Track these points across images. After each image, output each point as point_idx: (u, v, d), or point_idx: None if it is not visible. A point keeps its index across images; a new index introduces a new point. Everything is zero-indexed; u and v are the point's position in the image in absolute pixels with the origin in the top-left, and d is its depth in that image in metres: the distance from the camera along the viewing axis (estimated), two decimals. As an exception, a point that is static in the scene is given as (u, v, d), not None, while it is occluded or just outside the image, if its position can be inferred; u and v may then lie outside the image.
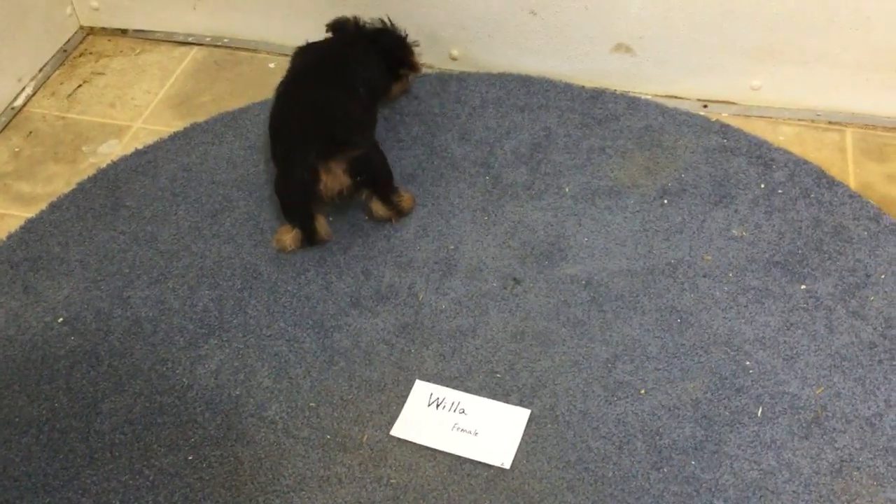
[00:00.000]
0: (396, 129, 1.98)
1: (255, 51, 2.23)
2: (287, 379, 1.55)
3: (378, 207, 1.75)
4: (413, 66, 1.99)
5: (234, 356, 1.59)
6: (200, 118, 2.05)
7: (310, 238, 1.72)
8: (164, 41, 2.29)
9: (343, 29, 1.93)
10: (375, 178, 1.73)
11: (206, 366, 1.58)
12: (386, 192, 1.75)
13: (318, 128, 1.68)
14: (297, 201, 1.69)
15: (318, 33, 2.17)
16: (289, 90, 1.80)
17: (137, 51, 2.28)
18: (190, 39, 2.28)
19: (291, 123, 1.72)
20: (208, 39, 2.27)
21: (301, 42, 2.20)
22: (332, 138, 1.64)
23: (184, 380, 1.56)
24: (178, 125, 2.04)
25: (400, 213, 1.78)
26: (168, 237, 1.78)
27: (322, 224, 1.72)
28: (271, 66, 2.19)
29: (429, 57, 2.11)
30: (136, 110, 2.12)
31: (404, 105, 2.04)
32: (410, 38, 1.97)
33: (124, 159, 1.96)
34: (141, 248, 1.77)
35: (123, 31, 2.33)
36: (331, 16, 2.12)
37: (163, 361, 1.59)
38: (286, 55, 2.18)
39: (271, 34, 2.22)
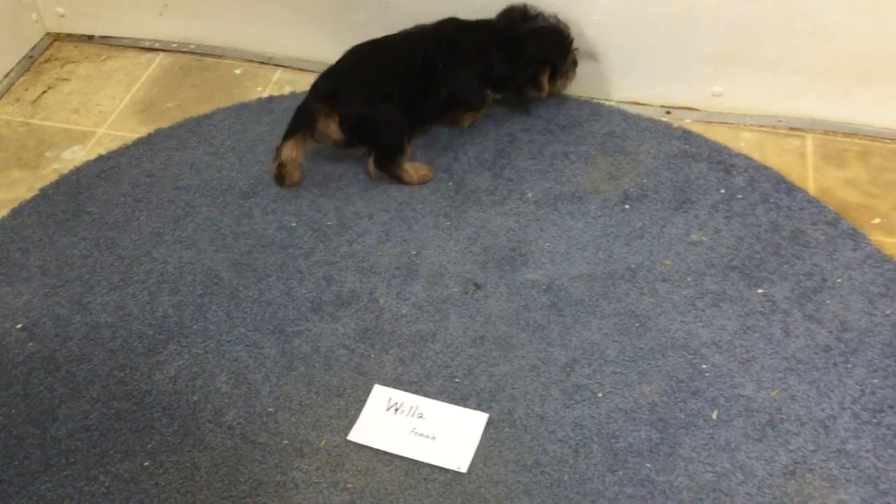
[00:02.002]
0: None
1: (221, 57, 2.24)
2: (246, 384, 1.54)
3: (372, 168, 1.85)
4: (538, 86, 1.92)
5: (192, 362, 1.58)
6: (165, 124, 2.04)
7: (276, 159, 1.84)
8: (130, 47, 2.29)
9: (507, 14, 1.91)
10: (372, 142, 1.83)
11: (165, 372, 1.57)
12: (383, 156, 1.83)
13: (342, 77, 1.81)
14: (294, 121, 1.82)
15: (285, 39, 2.18)
16: (386, 40, 1.87)
17: (103, 57, 2.28)
18: (156, 46, 2.28)
19: (350, 58, 1.84)
20: (175, 46, 2.27)
21: (267, 49, 2.21)
22: (333, 92, 1.78)
23: (142, 386, 1.55)
24: (142, 131, 2.04)
25: (399, 181, 1.85)
26: (129, 243, 1.78)
27: (291, 158, 1.82)
28: (237, 72, 2.19)
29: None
30: (101, 116, 2.11)
31: (370, 111, 2.04)
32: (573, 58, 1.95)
33: (87, 165, 1.96)
34: (101, 254, 1.76)
35: (90, 38, 2.33)
36: (298, 22, 2.14)
37: (121, 367, 1.58)
38: (252, 61, 2.21)
39: (237, 40, 2.22)
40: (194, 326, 1.63)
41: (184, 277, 1.71)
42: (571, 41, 1.93)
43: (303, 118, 1.82)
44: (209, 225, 1.80)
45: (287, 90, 2.12)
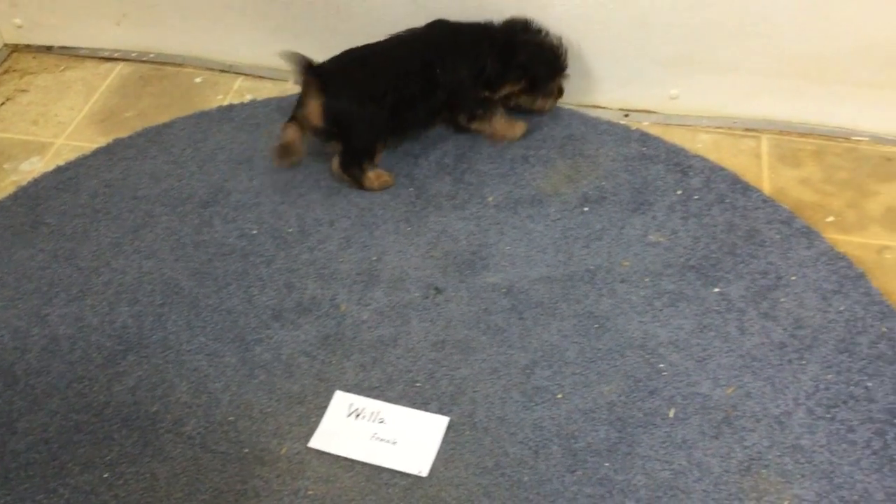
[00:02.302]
0: (322, 143, 1.99)
1: (181, 65, 2.23)
2: (206, 394, 1.54)
3: (335, 168, 1.87)
4: (533, 102, 1.95)
5: (152, 372, 1.57)
6: (124, 133, 2.04)
7: (279, 139, 1.88)
8: (89, 57, 2.28)
9: (510, 23, 1.91)
10: (345, 139, 1.84)
11: (124, 382, 1.56)
12: (351, 157, 1.84)
13: (341, 68, 1.83)
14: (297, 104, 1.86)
15: (246, 47, 2.18)
16: (380, 46, 1.89)
17: (62, 67, 2.26)
18: (116, 55, 2.27)
19: (350, 56, 1.86)
20: (134, 55, 2.26)
21: (227, 57, 2.21)
22: (327, 78, 1.80)
23: (101, 397, 1.55)
24: (101, 141, 2.03)
25: (359, 185, 1.86)
26: (88, 254, 1.77)
27: (292, 140, 1.85)
28: (198, 80, 2.19)
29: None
30: (60, 127, 2.10)
31: (330, 118, 2.05)
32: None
33: (46, 176, 1.94)
34: (60, 266, 1.75)
35: (48, 48, 2.31)
36: (257, 30, 2.14)
37: (80, 379, 1.57)
38: (212, 69, 2.20)
39: (197, 49, 2.22)
40: (154, 336, 1.63)
41: (143, 287, 1.71)
42: (565, 67, 1.94)
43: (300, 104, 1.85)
44: (169, 234, 1.80)
45: (247, 98, 2.12)
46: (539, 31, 1.91)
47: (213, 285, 1.71)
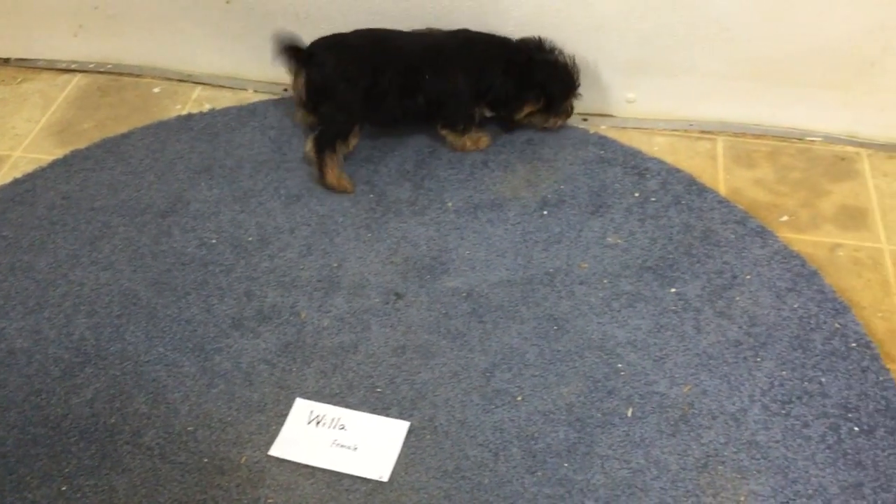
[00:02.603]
0: (283, 151, 1.99)
1: (139, 76, 2.22)
2: (165, 404, 1.53)
3: (309, 146, 1.89)
4: (520, 109, 1.94)
5: (110, 384, 1.56)
6: (82, 145, 2.02)
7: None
8: (46, 69, 2.26)
9: (524, 43, 1.92)
10: (322, 115, 1.89)
11: (82, 395, 1.55)
12: (325, 136, 1.87)
13: (328, 45, 1.87)
14: None
15: (204, 57, 2.18)
16: (391, 34, 1.92)
17: (19, 79, 2.24)
18: (73, 67, 2.25)
19: (348, 36, 1.90)
20: (92, 66, 2.25)
21: (185, 66, 2.20)
22: (312, 53, 1.85)
23: (58, 410, 1.53)
24: (58, 153, 2.01)
25: (321, 174, 1.88)
26: (45, 266, 1.75)
27: (301, 118, 1.97)
28: (156, 90, 2.18)
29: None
30: (17, 139, 2.08)
31: (291, 126, 2.05)
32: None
33: (2, 189, 1.93)
34: (17, 279, 1.74)
35: (5, 60, 2.29)
36: (215, 39, 2.14)
37: (37, 392, 1.55)
38: (171, 79, 2.20)
39: (155, 59, 2.21)
40: (111, 348, 1.61)
41: (101, 299, 1.69)
42: (578, 85, 1.95)
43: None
44: (127, 245, 1.79)
45: (206, 107, 2.11)
46: (552, 49, 1.92)
47: (171, 295, 1.70)
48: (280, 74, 2.15)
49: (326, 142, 1.87)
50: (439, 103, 1.90)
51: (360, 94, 1.86)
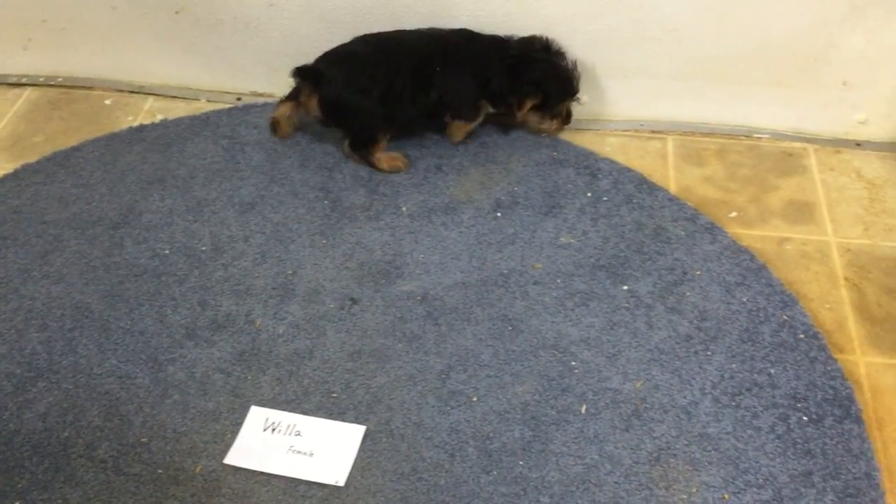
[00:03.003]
0: (236, 160, 1.99)
1: (90, 88, 2.21)
2: (118, 416, 1.52)
3: (346, 150, 1.96)
4: (520, 106, 1.92)
5: (63, 398, 1.55)
6: (32, 158, 2.01)
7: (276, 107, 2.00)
8: (-4, 83, 2.24)
9: (530, 40, 1.93)
10: (346, 126, 1.94)
11: (35, 409, 1.54)
12: (355, 141, 1.93)
13: (334, 60, 1.90)
14: (294, 89, 1.94)
15: (155, 67, 2.17)
16: (395, 35, 1.95)
17: (-32, 94, 2.22)
18: (23, 80, 2.24)
19: (352, 45, 1.92)
20: (42, 79, 2.23)
21: (137, 78, 2.19)
22: (319, 73, 1.88)
23: (11, 425, 1.51)
24: (8, 167, 2.00)
25: (370, 166, 1.94)
26: (-5, 281, 1.74)
27: (284, 116, 1.98)
28: (107, 102, 2.17)
29: (270, 85, 2.14)
30: (-34, 154, 2.06)
31: (244, 134, 2.05)
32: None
33: (-49, 205, 1.90)
34: (-34, 295, 1.72)
35: (-46, 75, 2.27)
36: (166, 50, 2.13)
37: (-12, 409, 1.54)
38: (122, 91, 2.19)
39: (106, 71, 2.20)
40: (64, 361, 1.60)
41: (52, 313, 1.68)
42: (576, 90, 1.95)
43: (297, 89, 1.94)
44: (78, 258, 1.78)
45: (158, 118, 2.11)
46: (557, 52, 1.93)
47: (124, 307, 1.69)
48: (233, 84, 2.16)
49: (359, 147, 1.94)
50: (450, 94, 1.91)
51: (377, 102, 1.88)
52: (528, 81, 1.89)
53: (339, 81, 1.88)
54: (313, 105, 1.91)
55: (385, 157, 1.94)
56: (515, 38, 1.94)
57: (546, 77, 1.91)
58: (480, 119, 1.98)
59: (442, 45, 1.91)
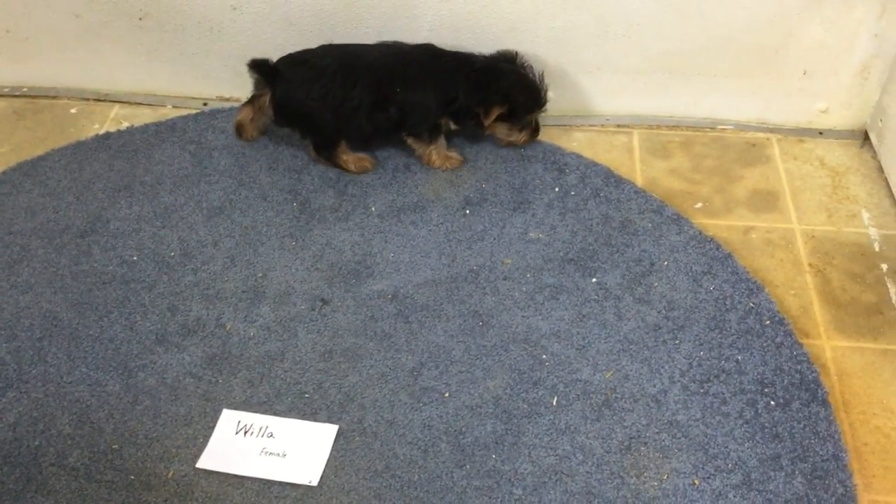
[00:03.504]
0: (203, 165, 1.99)
1: (55, 97, 2.19)
2: (89, 424, 1.51)
3: (311, 153, 1.97)
4: (486, 114, 1.89)
5: (33, 407, 1.54)
6: (-2, 169, 1.99)
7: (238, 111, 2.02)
8: (-41, 95, 2.22)
9: (499, 54, 1.93)
10: (294, 128, 1.96)
11: (4, 419, 1.52)
12: (317, 145, 1.95)
13: (293, 63, 1.89)
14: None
15: (120, 75, 2.16)
16: (358, 49, 1.94)
17: (-69, 106, 2.20)
18: (-13, 91, 2.22)
19: (315, 51, 1.91)
20: (7, 90, 2.21)
21: (102, 86, 2.19)
22: (277, 73, 1.88)
23: (-21, 437, 1.50)
24: (-27, 179, 1.98)
25: (337, 168, 1.95)
26: (-39, 293, 1.72)
27: (246, 120, 1.98)
28: (73, 111, 2.16)
29: (236, 90, 2.13)
30: (-70, 167, 2.04)
31: (211, 139, 2.05)
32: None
33: (-85, 218, 1.88)
34: (-68, 307, 1.70)
35: (-84, 88, 2.25)
36: (130, 57, 2.12)
37: (-43, 421, 1.53)
38: (88, 99, 2.18)
39: (71, 79, 2.19)
40: (33, 371, 1.59)
41: (21, 322, 1.67)
42: (544, 103, 1.94)
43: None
44: (46, 267, 1.77)
45: (125, 125, 2.10)
46: (523, 65, 1.92)
47: (93, 315, 1.68)
48: (198, 89, 2.16)
49: (324, 150, 1.94)
50: (408, 113, 1.90)
51: (330, 112, 1.87)
52: (495, 91, 1.88)
53: (295, 84, 1.87)
54: (265, 102, 1.91)
55: (352, 158, 1.94)
56: (480, 54, 1.93)
57: (512, 87, 1.90)
58: (452, 150, 1.97)
59: (404, 63, 1.89)
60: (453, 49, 1.95)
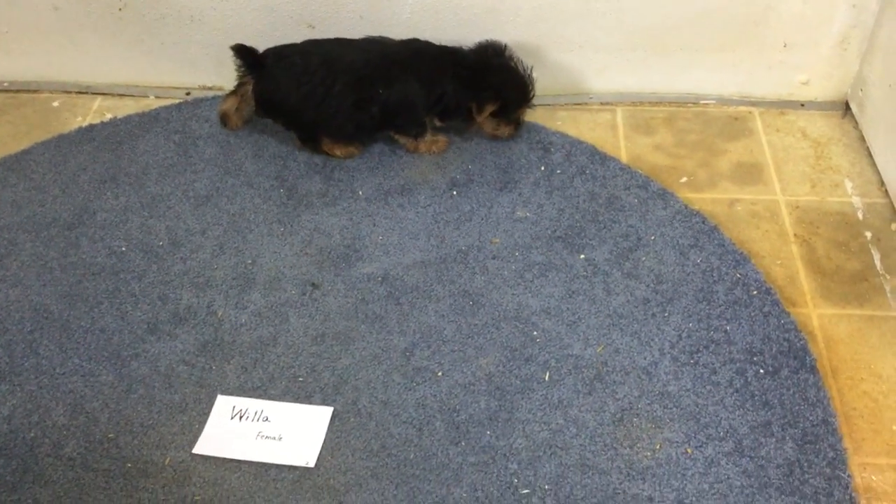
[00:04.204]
0: (189, 154, 1.98)
1: (37, 91, 2.18)
2: (83, 414, 1.52)
3: (297, 143, 1.97)
4: (480, 111, 1.89)
5: (27, 399, 1.54)
6: (-19, 165, 1.98)
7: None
8: (-61, 91, 2.21)
9: (483, 47, 1.91)
10: (275, 120, 1.96)
11: (-2, 413, 1.53)
12: (304, 139, 1.95)
13: (279, 56, 1.88)
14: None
15: (101, 67, 2.15)
16: (344, 44, 1.91)
17: (-89, 104, 2.18)
18: (-32, 87, 2.21)
19: (301, 46, 1.91)
20: (-13, 85, 2.20)
21: (83, 78, 2.17)
22: (262, 64, 1.88)
23: (-26, 431, 1.50)
24: (-43, 175, 1.97)
25: (326, 154, 1.95)
26: (-50, 289, 1.72)
27: (230, 110, 1.98)
28: (55, 104, 2.15)
29: (218, 78, 2.13)
30: (-88, 164, 2.02)
31: (196, 129, 2.04)
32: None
33: None
34: (-79, 304, 1.70)
35: None
36: (111, 48, 2.11)
37: (-50, 415, 1.52)
38: (70, 92, 2.17)
39: (52, 73, 2.17)
40: (26, 363, 1.59)
41: (11, 316, 1.67)
42: (532, 96, 1.93)
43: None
44: (34, 260, 1.76)
45: (108, 117, 2.09)
46: (511, 57, 1.90)
47: (83, 306, 1.68)
48: (181, 79, 2.15)
49: (309, 140, 1.95)
50: (395, 114, 1.89)
51: (311, 110, 1.86)
52: (486, 88, 1.87)
53: (278, 80, 1.86)
54: (246, 91, 1.91)
55: (336, 147, 1.94)
56: (464, 47, 1.92)
57: (504, 84, 1.89)
58: (436, 133, 1.96)
59: (387, 63, 1.86)
60: (436, 40, 1.94)
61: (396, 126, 1.93)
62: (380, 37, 1.94)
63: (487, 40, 1.93)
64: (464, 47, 1.93)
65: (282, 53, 1.90)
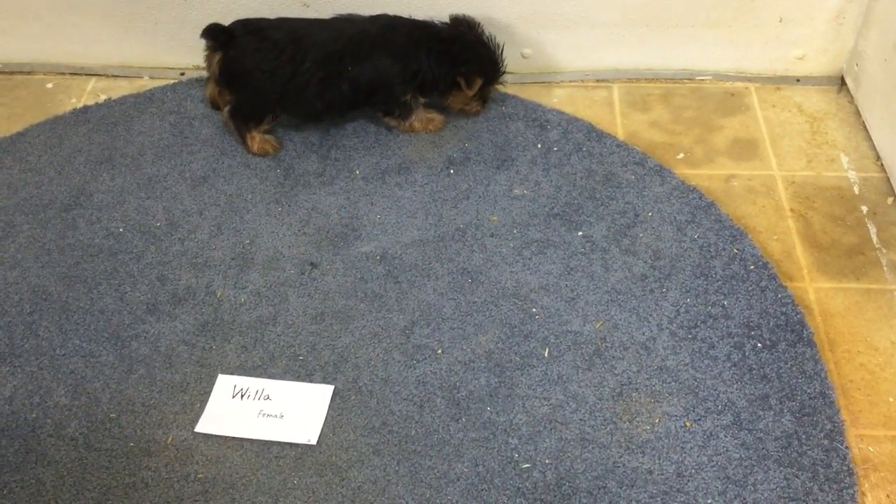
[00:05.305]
0: (185, 135, 1.98)
1: (30, 73, 2.17)
2: (85, 394, 1.52)
3: (225, 115, 1.93)
4: (469, 85, 1.87)
5: (28, 380, 1.54)
6: (-24, 147, 1.97)
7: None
8: (-69, 74, 2.19)
9: (456, 22, 1.90)
10: (235, 93, 1.90)
11: (0, 394, 1.53)
12: (237, 111, 1.90)
13: (251, 30, 1.85)
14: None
15: (95, 48, 2.14)
16: (313, 24, 1.89)
17: None
18: (-39, 70, 2.19)
19: (275, 22, 1.88)
20: (-20, 68, 2.19)
21: (77, 59, 2.16)
22: (231, 35, 1.84)
23: (-24, 412, 1.51)
24: (-48, 157, 1.96)
25: (241, 141, 1.93)
26: (-52, 271, 1.72)
27: (210, 89, 1.97)
28: (49, 86, 2.13)
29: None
30: None
31: (191, 109, 2.04)
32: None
33: None
34: (-81, 287, 1.69)
35: None
36: (104, 29, 2.10)
37: (-49, 397, 1.53)
38: (64, 73, 2.16)
39: (46, 54, 2.16)
40: (26, 345, 1.59)
41: (10, 298, 1.67)
42: (502, 73, 1.93)
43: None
44: (32, 242, 1.76)
45: (102, 98, 2.08)
46: (483, 32, 1.89)
47: (82, 287, 1.68)
48: (174, 59, 2.14)
49: (242, 120, 1.89)
50: (369, 91, 1.87)
51: (278, 86, 1.84)
52: (463, 62, 1.86)
53: (247, 52, 1.83)
54: (213, 62, 1.86)
55: (259, 138, 1.90)
56: (436, 21, 1.89)
57: (481, 58, 1.88)
58: (430, 111, 1.95)
59: (356, 40, 1.83)
60: (426, 16, 1.92)
61: (376, 104, 1.91)
62: (349, 14, 1.90)
63: (460, 14, 1.91)
64: (436, 22, 1.91)
65: (252, 26, 1.86)
